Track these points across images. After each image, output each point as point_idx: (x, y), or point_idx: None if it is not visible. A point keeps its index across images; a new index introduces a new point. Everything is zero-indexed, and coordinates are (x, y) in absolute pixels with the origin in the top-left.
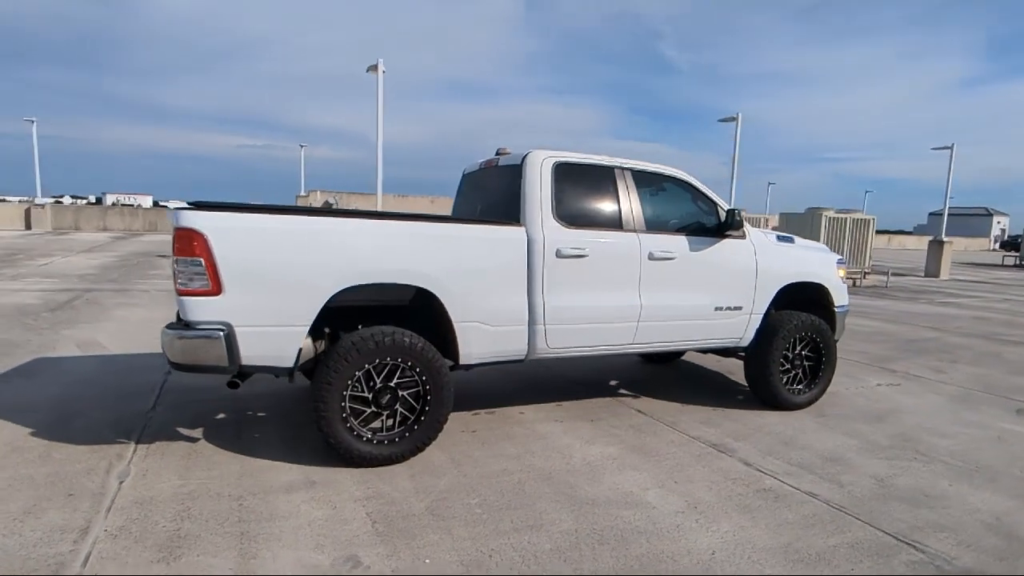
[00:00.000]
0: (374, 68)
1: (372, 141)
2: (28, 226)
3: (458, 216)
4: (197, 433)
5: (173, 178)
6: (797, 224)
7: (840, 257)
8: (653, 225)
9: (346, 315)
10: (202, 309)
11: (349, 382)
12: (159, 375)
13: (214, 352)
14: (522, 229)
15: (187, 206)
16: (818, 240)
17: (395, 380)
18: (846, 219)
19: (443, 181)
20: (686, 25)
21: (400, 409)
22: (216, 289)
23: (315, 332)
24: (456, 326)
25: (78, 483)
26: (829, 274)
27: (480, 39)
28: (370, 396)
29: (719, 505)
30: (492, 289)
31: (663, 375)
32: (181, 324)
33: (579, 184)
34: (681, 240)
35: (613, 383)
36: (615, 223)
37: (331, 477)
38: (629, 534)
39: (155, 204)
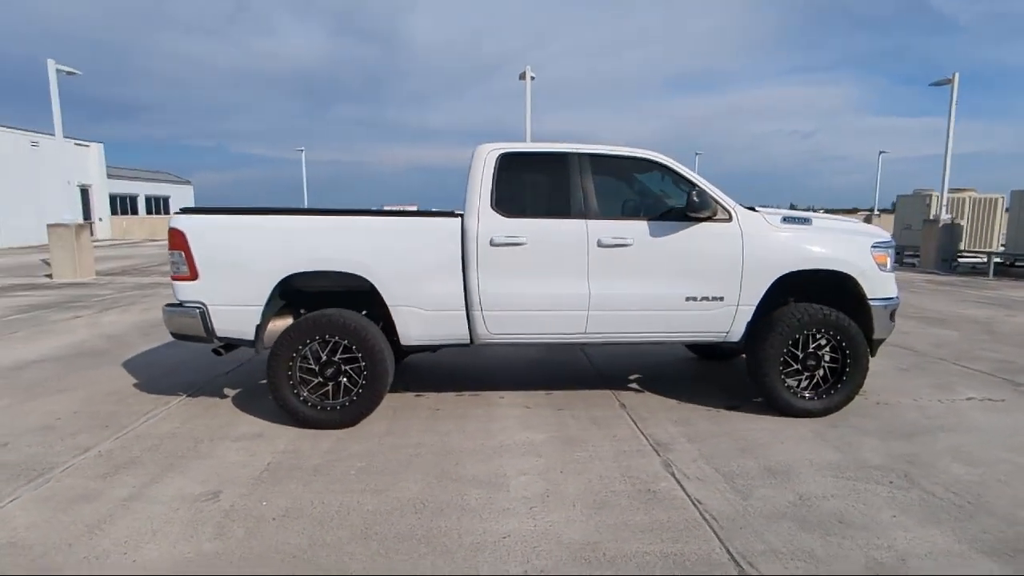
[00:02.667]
0: (523, 75)
1: (601, 140)
2: None
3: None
4: (233, 392)
5: (435, 188)
6: None
7: (880, 239)
8: (609, 211)
9: (321, 299)
10: (185, 291)
11: (294, 354)
12: None
13: (194, 325)
14: (457, 220)
15: (177, 212)
16: None
17: (338, 356)
18: None
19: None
20: None
21: (344, 382)
22: (194, 275)
23: (296, 314)
24: (392, 309)
25: (118, 420)
26: (856, 260)
27: (712, 25)
28: (317, 368)
29: (577, 498)
30: (425, 276)
31: (700, 372)
32: (176, 303)
33: (526, 174)
34: (640, 225)
35: (634, 377)
36: (561, 210)
37: (278, 433)
38: (451, 510)
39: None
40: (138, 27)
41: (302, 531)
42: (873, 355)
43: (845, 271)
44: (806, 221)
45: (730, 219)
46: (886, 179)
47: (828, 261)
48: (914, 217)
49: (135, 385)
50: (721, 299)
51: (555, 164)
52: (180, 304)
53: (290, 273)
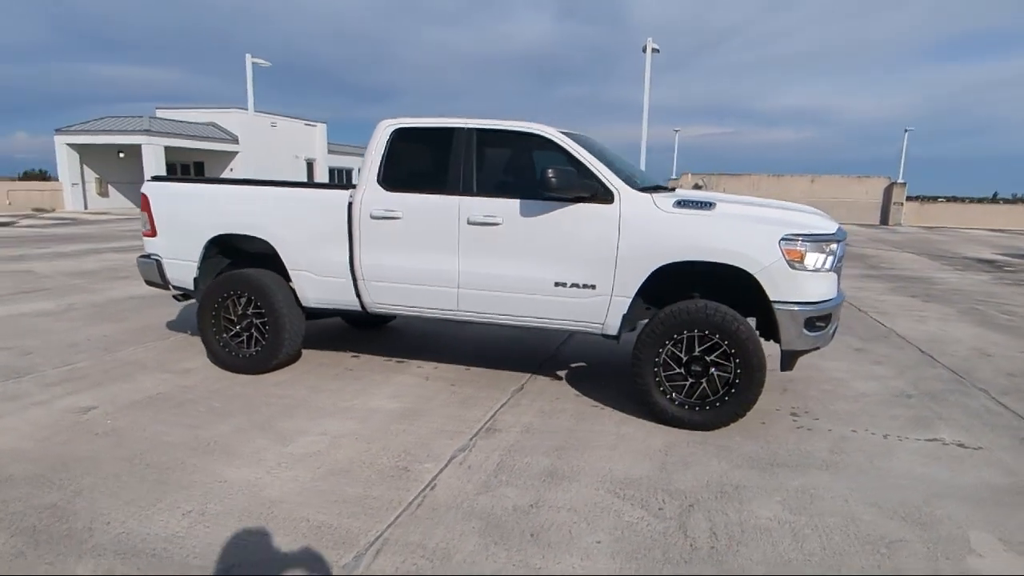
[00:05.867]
0: (645, 48)
1: (837, 119)
2: None
3: None
4: None
5: (653, 167)
6: None
7: (797, 231)
8: (486, 188)
9: (259, 261)
10: (149, 245)
11: (216, 305)
12: None
13: (154, 274)
14: (347, 192)
15: (148, 180)
16: None
17: (251, 310)
18: None
19: (888, 158)
20: None
21: (255, 334)
22: (154, 232)
23: None
24: (290, 272)
25: (120, 346)
26: (754, 253)
27: None
28: (235, 319)
29: (331, 463)
30: (315, 244)
31: None
32: (144, 255)
33: (413, 149)
34: (512, 204)
35: (576, 365)
36: (439, 186)
37: (204, 371)
38: (220, 452)
39: None
40: (396, 19)
41: (98, 446)
42: (786, 368)
43: (738, 265)
44: (706, 205)
45: (611, 201)
46: None
47: (716, 253)
48: None
49: (168, 322)
50: (593, 287)
51: (442, 139)
52: (147, 256)
53: (215, 235)
